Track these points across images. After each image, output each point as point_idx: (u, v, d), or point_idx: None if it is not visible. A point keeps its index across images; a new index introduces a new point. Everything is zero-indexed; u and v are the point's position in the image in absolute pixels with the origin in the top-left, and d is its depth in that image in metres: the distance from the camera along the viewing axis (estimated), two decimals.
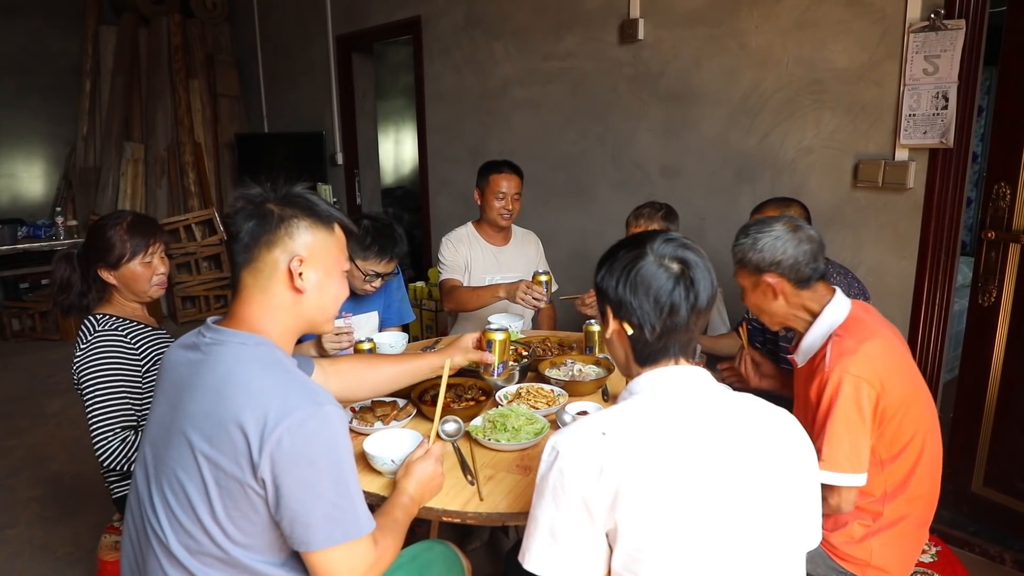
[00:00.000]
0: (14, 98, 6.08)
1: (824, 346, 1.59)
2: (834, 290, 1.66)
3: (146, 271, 1.93)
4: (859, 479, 1.50)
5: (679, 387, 1.12)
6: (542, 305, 2.51)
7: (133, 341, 1.89)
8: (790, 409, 1.17)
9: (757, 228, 1.65)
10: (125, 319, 1.92)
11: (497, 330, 1.80)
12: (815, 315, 1.64)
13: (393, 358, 1.80)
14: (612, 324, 1.17)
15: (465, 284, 2.97)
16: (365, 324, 2.53)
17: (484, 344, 1.79)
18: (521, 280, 2.55)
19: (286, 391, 1.13)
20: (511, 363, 1.93)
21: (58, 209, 5.87)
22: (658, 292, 1.10)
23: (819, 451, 1.49)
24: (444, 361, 1.74)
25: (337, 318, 2.56)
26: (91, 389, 1.79)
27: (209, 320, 1.26)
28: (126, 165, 6.17)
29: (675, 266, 1.11)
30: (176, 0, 6.34)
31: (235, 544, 1.14)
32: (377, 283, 2.38)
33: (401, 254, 2.36)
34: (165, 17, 6.27)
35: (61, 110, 6.26)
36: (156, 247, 1.95)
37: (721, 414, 1.10)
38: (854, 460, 1.49)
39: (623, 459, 1.02)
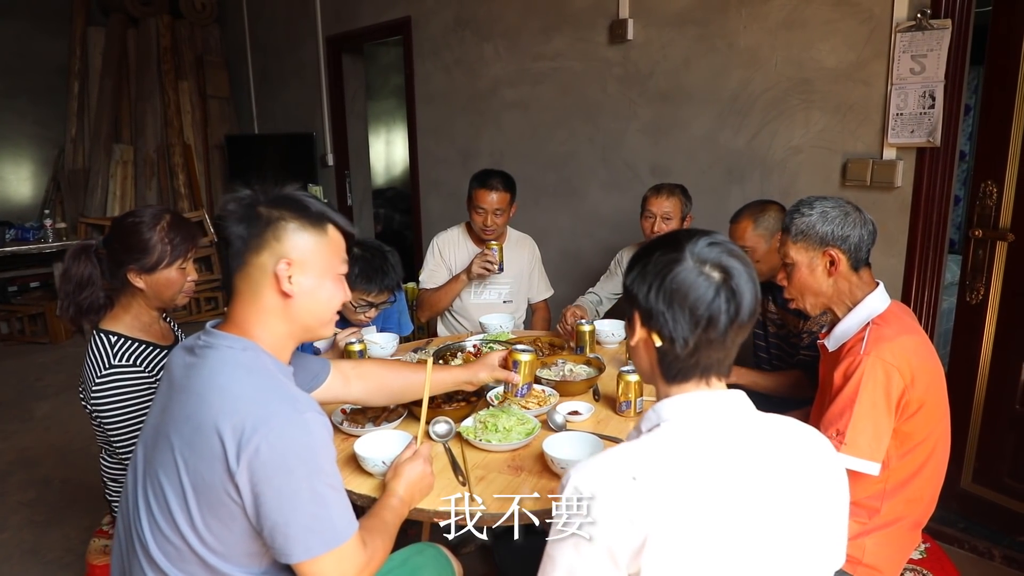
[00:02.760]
0: (1, 100, 6.03)
1: (859, 333, 1.60)
2: (877, 283, 1.67)
3: (180, 277, 1.79)
4: (874, 467, 1.49)
5: (713, 416, 1.02)
6: (494, 270, 2.75)
7: (151, 370, 1.77)
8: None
9: (823, 203, 1.65)
10: (138, 341, 1.78)
11: (524, 351, 1.76)
12: (856, 303, 1.65)
13: (415, 367, 1.76)
14: (639, 332, 1.05)
15: None
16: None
17: (511, 364, 1.75)
18: (477, 254, 2.78)
19: (266, 397, 1.11)
20: (535, 386, 1.92)
21: (47, 212, 5.83)
22: (696, 303, 0.98)
23: (839, 432, 1.49)
24: (467, 375, 1.74)
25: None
26: (116, 432, 1.72)
27: (209, 324, 1.24)
28: (115, 167, 6.14)
29: (716, 274, 0.99)
30: (165, 1, 6.31)
31: (213, 552, 1.13)
32: (371, 313, 2.29)
33: (392, 286, 2.23)
34: (154, 18, 6.23)
35: (49, 112, 6.22)
36: (193, 252, 1.82)
37: (757, 446, 1.01)
38: (874, 447, 1.49)
39: (654, 506, 0.93)
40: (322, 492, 1.10)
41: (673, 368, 1.04)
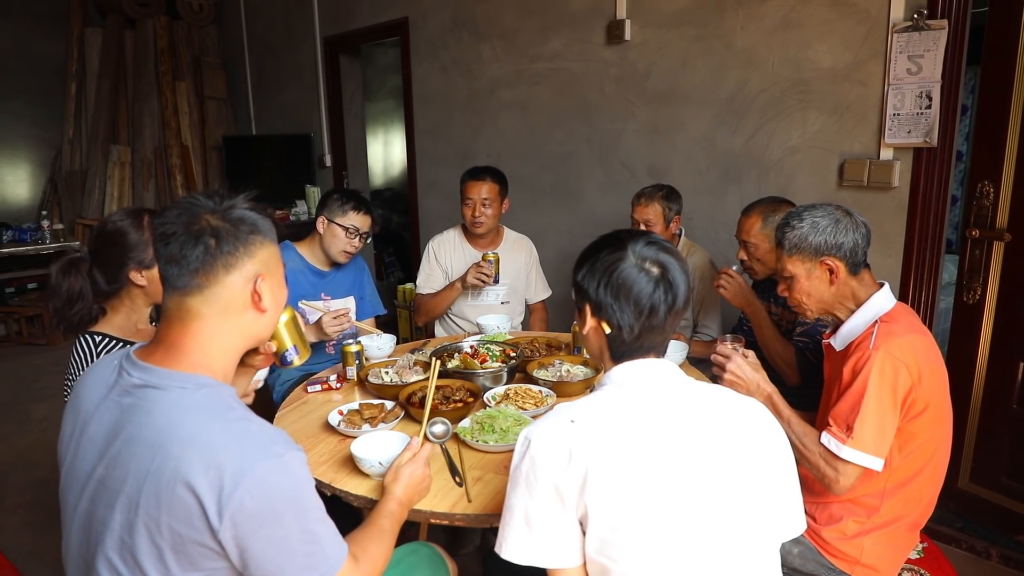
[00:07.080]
0: None
1: (867, 330, 1.60)
2: (881, 284, 1.67)
3: None
4: (878, 463, 1.49)
5: (648, 378, 1.16)
6: (488, 282, 2.77)
7: None
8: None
9: (812, 213, 1.64)
10: (123, 341, 1.74)
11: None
12: (859, 304, 1.65)
13: None
14: (590, 322, 1.19)
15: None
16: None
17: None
18: (472, 264, 2.79)
19: (239, 444, 1.01)
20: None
21: (44, 213, 5.82)
22: (639, 295, 1.12)
23: (848, 428, 1.49)
24: (246, 377, 1.51)
25: (315, 299, 2.63)
26: None
27: (131, 351, 1.12)
28: (112, 168, 6.13)
29: (655, 269, 1.14)
30: (162, 2, 6.31)
31: None
32: (357, 243, 2.50)
33: (372, 212, 2.57)
34: (151, 19, 6.24)
35: (46, 113, 6.21)
36: None
37: (689, 403, 1.14)
38: (880, 443, 1.49)
39: (591, 444, 1.05)
40: (312, 529, 1.05)
41: (619, 350, 1.18)
